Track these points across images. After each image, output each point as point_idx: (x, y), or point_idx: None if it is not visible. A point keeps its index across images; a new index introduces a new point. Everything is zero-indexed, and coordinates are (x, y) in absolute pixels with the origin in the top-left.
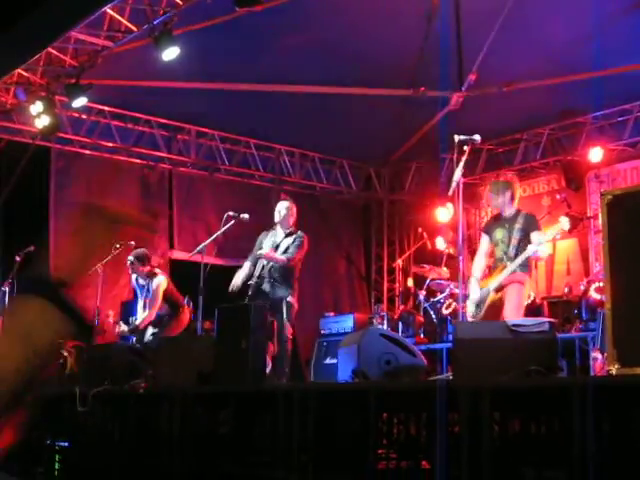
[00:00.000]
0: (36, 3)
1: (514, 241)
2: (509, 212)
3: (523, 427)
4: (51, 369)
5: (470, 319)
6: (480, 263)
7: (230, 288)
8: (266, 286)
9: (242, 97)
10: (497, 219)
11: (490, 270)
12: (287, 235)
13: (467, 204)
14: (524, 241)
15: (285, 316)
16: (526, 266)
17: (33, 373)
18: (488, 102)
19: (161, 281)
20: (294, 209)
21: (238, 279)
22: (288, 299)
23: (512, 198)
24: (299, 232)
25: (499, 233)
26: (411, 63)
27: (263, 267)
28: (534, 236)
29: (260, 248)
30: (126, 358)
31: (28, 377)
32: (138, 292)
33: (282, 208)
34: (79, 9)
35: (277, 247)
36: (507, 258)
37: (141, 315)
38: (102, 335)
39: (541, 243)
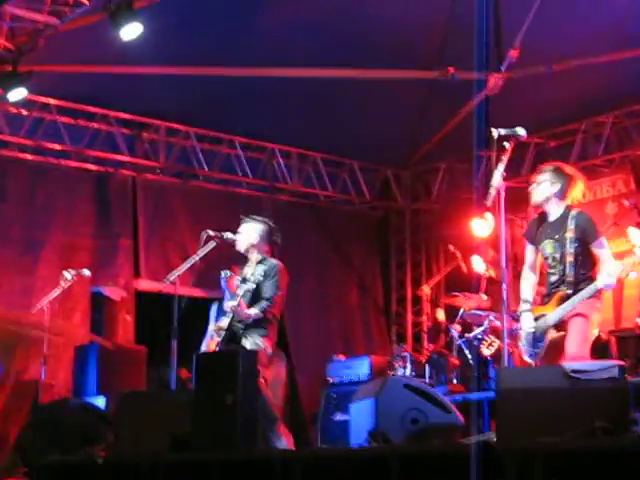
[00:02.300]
0: None
1: (570, 258)
2: (556, 213)
3: None
4: None
5: (527, 359)
6: (530, 281)
7: None
8: (239, 332)
9: (223, 85)
10: (541, 224)
11: (543, 297)
12: (258, 262)
13: (511, 214)
14: (582, 254)
15: None
16: (592, 292)
17: None
18: (535, 85)
19: None
20: (267, 233)
21: None
22: (256, 340)
23: (564, 194)
24: (272, 260)
25: (549, 247)
26: (436, 38)
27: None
28: (598, 252)
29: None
30: (81, 419)
31: None
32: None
33: (247, 231)
34: None
35: (244, 280)
36: (565, 284)
37: None
38: (50, 390)
39: (610, 280)
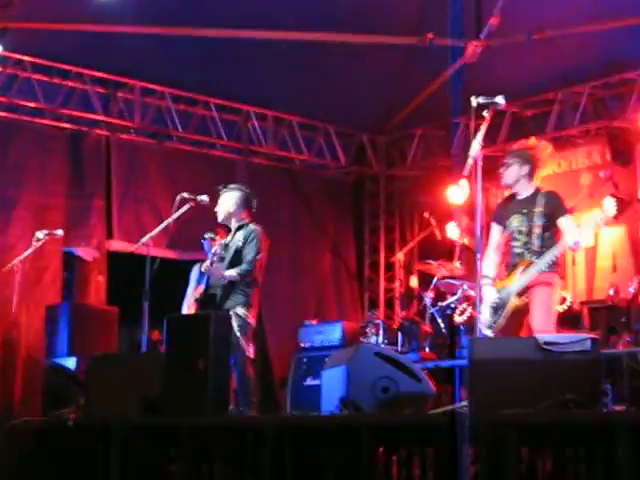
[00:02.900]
0: None
1: (537, 230)
2: (526, 192)
3: (557, 468)
4: None
5: (487, 331)
6: (492, 260)
7: None
8: (217, 295)
9: (200, 45)
10: (509, 202)
11: (507, 268)
12: (237, 229)
13: (487, 182)
14: (550, 229)
15: (238, 332)
16: (555, 264)
17: None
18: (513, 54)
19: None
20: (245, 198)
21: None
22: (238, 310)
23: (531, 174)
24: (251, 225)
25: (516, 220)
26: (415, 4)
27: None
28: (563, 222)
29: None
30: (51, 381)
31: None
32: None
33: (225, 201)
34: None
35: (226, 247)
36: (529, 253)
37: None
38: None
39: (575, 238)
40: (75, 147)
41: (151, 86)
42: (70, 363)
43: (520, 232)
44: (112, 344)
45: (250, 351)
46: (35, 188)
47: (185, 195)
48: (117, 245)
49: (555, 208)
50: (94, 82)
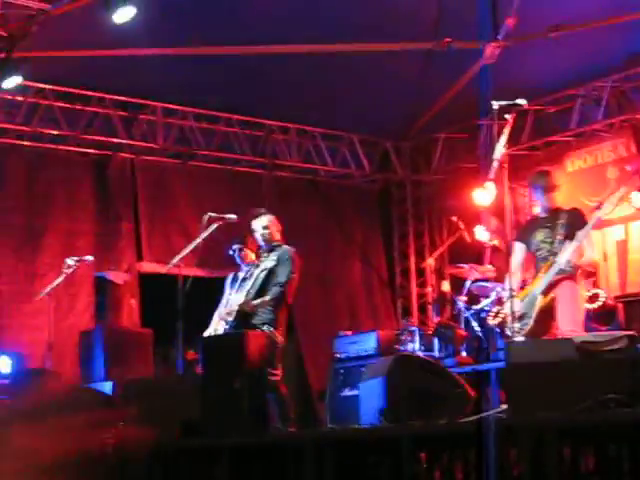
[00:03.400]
0: None
1: (559, 237)
2: (547, 211)
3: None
4: None
5: (518, 338)
6: (517, 277)
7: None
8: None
9: (219, 63)
10: (534, 222)
11: (533, 276)
12: (269, 251)
13: (513, 182)
14: (571, 237)
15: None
16: (575, 267)
17: None
18: (532, 52)
19: None
20: (276, 221)
21: None
22: (264, 328)
23: (548, 192)
24: (284, 246)
25: (540, 235)
26: (432, 9)
27: None
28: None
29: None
30: (89, 407)
31: None
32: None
33: (259, 227)
34: None
35: (257, 266)
36: (553, 255)
37: None
38: (57, 379)
39: (590, 223)
40: (100, 172)
41: (172, 106)
42: (107, 388)
43: (544, 242)
44: (148, 366)
45: (277, 372)
46: (63, 215)
47: (212, 214)
48: (148, 267)
49: (576, 219)
50: (116, 106)
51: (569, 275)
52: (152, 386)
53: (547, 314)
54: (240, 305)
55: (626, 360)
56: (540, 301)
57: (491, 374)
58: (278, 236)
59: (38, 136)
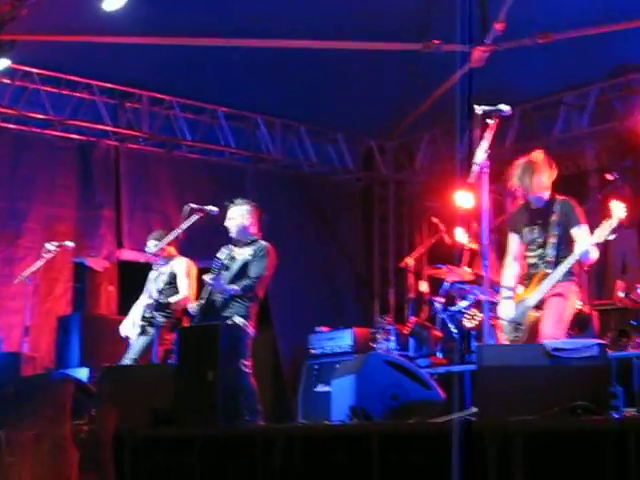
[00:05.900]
0: None
1: (552, 240)
2: (539, 202)
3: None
4: None
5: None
6: (512, 271)
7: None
8: (217, 303)
9: (206, 54)
10: (525, 212)
11: (523, 280)
12: (245, 244)
13: (494, 186)
14: (565, 240)
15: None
16: (571, 273)
17: None
18: (519, 58)
19: None
20: (255, 213)
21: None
22: (236, 319)
23: (539, 182)
24: (262, 242)
25: (531, 232)
26: (420, 10)
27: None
28: (576, 233)
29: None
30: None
31: None
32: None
33: (237, 216)
34: None
35: (232, 258)
36: (545, 264)
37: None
38: (32, 364)
39: (587, 247)
40: (84, 158)
41: (159, 95)
42: (82, 374)
43: (535, 242)
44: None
45: (248, 363)
46: (45, 199)
47: (193, 205)
48: (127, 255)
49: (569, 217)
50: (102, 93)
51: (562, 288)
52: (126, 374)
53: (538, 327)
54: (209, 279)
55: (596, 368)
56: (532, 315)
57: (465, 376)
58: (254, 229)
59: (24, 120)
